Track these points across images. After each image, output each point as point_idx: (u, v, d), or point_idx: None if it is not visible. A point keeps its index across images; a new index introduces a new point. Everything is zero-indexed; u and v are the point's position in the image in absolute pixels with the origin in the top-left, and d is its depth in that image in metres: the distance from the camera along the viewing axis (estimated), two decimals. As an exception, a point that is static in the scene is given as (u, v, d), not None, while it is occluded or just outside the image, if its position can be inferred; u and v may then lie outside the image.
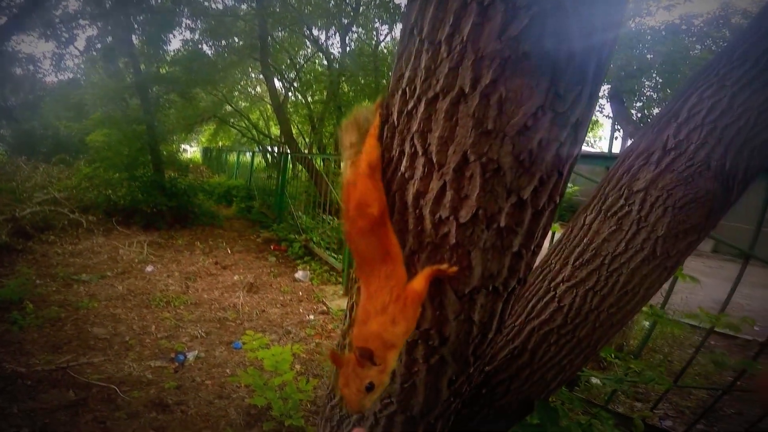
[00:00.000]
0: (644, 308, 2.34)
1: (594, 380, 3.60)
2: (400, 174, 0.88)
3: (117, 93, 9.77)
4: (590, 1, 0.74)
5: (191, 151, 27.80)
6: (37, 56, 12.17)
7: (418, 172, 0.84)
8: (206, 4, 10.52)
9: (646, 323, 4.02)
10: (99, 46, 10.67)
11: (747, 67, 1.33)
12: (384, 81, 10.11)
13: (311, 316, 5.46)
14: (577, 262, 1.42)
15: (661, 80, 12.21)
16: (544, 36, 0.72)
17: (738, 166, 1.30)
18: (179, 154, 14.24)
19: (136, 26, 9.69)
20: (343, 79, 10.77)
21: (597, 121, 16.03)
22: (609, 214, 1.40)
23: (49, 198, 8.41)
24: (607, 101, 13.34)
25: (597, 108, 15.59)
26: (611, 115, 13.97)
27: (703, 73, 1.42)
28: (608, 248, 1.37)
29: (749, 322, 2.41)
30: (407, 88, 0.85)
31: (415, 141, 0.84)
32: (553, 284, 1.45)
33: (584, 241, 1.42)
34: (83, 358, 3.89)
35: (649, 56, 12.01)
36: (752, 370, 2.54)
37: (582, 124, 0.83)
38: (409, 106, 0.84)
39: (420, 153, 0.83)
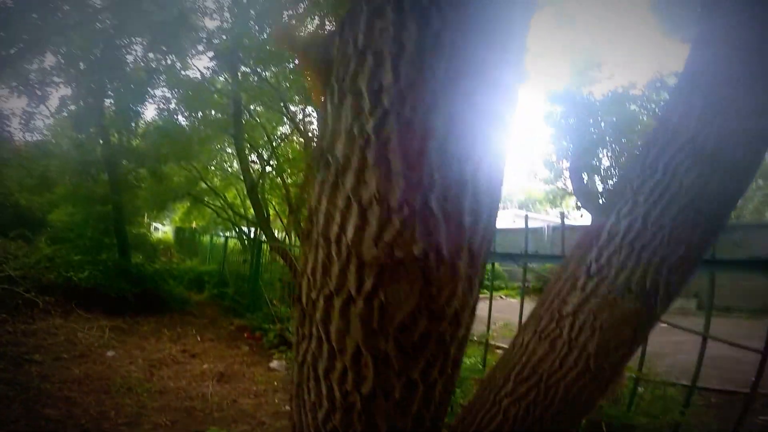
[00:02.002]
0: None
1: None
2: (311, 352, 0.95)
3: (84, 167, 9.48)
4: (465, 209, 0.81)
5: (163, 229, 27.07)
6: (6, 113, 11.66)
7: (324, 354, 0.92)
8: (183, 74, 10.69)
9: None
10: (72, 107, 10.51)
11: (657, 177, 1.42)
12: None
13: (288, 407, 4.94)
14: (518, 378, 1.51)
15: (617, 147, 12.69)
16: (415, 241, 0.79)
17: (658, 285, 1.39)
18: (149, 234, 13.72)
19: (109, 92, 9.65)
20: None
21: (566, 194, 16.61)
22: (543, 336, 1.50)
23: (3, 275, 7.91)
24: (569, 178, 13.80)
25: (561, 184, 16.15)
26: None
27: (622, 182, 1.53)
28: (544, 366, 1.47)
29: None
30: (311, 277, 0.91)
31: (320, 328, 0.90)
32: (497, 398, 1.54)
33: (523, 359, 1.53)
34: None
35: (602, 123, 12.54)
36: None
37: (463, 310, 0.89)
38: (313, 296, 0.91)
39: (324, 339, 0.91)
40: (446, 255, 0.82)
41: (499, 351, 5.17)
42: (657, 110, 11.98)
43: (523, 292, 2.92)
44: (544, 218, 24.43)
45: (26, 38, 9.04)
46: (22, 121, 11.69)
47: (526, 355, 1.52)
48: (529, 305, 2.47)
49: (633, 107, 12.48)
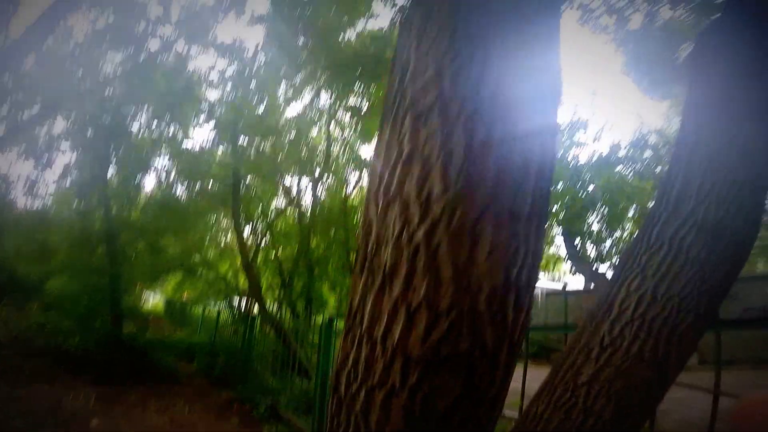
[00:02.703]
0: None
1: None
2: None
3: (84, 238, 9.63)
4: (510, 306, 0.85)
5: (154, 299, 26.60)
6: (11, 178, 11.69)
7: None
8: (184, 144, 11.04)
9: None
10: (76, 174, 10.71)
11: (663, 252, 1.55)
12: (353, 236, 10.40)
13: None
14: (534, 449, 1.54)
15: (607, 209, 12.95)
16: (462, 340, 0.82)
17: (670, 353, 1.47)
18: (141, 303, 13.60)
19: (113, 162, 9.90)
20: (314, 235, 11.04)
21: (558, 258, 16.83)
22: (558, 406, 1.54)
23: (-8, 340, 7.74)
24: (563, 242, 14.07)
25: (554, 248, 16.41)
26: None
27: (628, 258, 1.65)
28: None
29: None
30: (352, 370, 0.93)
31: (359, 417, 0.92)
32: (515, 468, 1.57)
33: (538, 429, 1.55)
34: None
35: (590, 187, 12.90)
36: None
37: (500, 394, 0.92)
38: (353, 389, 0.93)
39: (362, 427, 0.92)
40: (490, 349, 0.85)
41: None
42: (641, 170, 12.49)
43: (526, 361, 2.95)
44: (538, 283, 24.40)
45: (41, 103, 9.42)
46: (26, 187, 11.86)
47: (542, 424, 1.55)
48: (530, 372, 2.59)
49: (618, 167, 12.94)
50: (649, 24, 7.52)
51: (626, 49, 8.32)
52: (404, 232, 0.83)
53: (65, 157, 11.99)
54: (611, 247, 13.30)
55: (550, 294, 19.79)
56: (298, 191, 12.58)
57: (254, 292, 10.70)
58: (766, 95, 1.90)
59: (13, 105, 9.11)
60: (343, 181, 12.31)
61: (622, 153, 13.10)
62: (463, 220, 0.80)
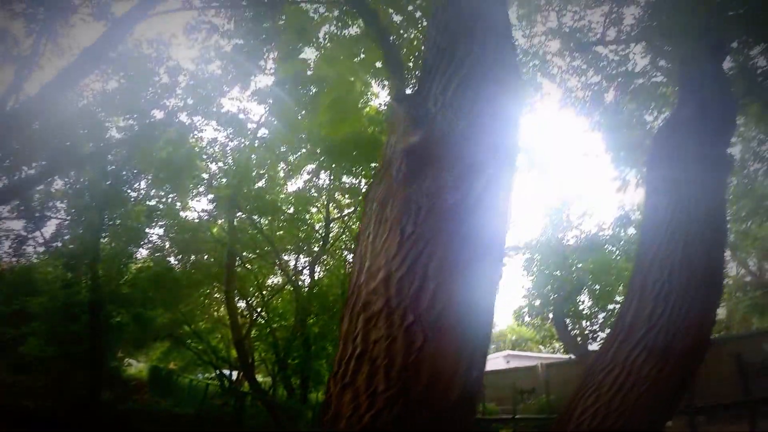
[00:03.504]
0: None
1: None
2: None
3: (67, 307, 9.38)
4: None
5: (138, 365, 25.49)
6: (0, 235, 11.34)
7: None
8: (182, 215, 10.97)
9: None
10: (67, 240, 10.50)
11: (617, 372, 1.73)
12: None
13: None
14: None
15: (596, 289, 13.05)
16: None
17: None
18: (123, 369, 13.10)
19: (106, 231, 9.75)
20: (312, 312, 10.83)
21: (554, 337, 16.83)
22: None
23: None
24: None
25: (545, 326, 16.30)
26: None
27: (588, 376, 1.84)
28: None
29: None
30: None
31: None
32: None
33: None
34: None
35: (579, 265, 13.09)
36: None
37: None
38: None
39: None
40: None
41: None
42: (625, 248, 12.62)
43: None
44: (538, 355, 23.89)
45: (41, 162, 9.42)
46: (14, 245, 11.68)
47: None
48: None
49: (605, 247, 13.16)
50: (623, 95, 7.95)
51: (602, 125, 8.68)
52: (354, 414, 1.02)
53: (59, 215, 11.67)
54: (601, 324, 13.33)
55: (552, 366, 19.37)
56: (296, 269, 12.41)
57: (245, 368, 10.33)
58: (715, 194, 2.46)
59: (14, 161, 9.14)
60: (342, 261, 12.21)
61: (607, 232, 13.44)
62: (401, 410, 1.00)
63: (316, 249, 11.54)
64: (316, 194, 11.65)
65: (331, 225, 11.62)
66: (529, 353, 26.82)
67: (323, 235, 11.38)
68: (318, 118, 2.11)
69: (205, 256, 11.01)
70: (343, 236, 11.53)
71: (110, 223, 10.26)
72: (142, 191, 11.31)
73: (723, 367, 8.69)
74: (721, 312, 18.36)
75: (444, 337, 1.05)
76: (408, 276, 1.07)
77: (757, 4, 4.36)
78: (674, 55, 5.70)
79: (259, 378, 11.86)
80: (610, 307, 13.08)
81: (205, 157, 11.10)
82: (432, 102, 1.31)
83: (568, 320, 13.06)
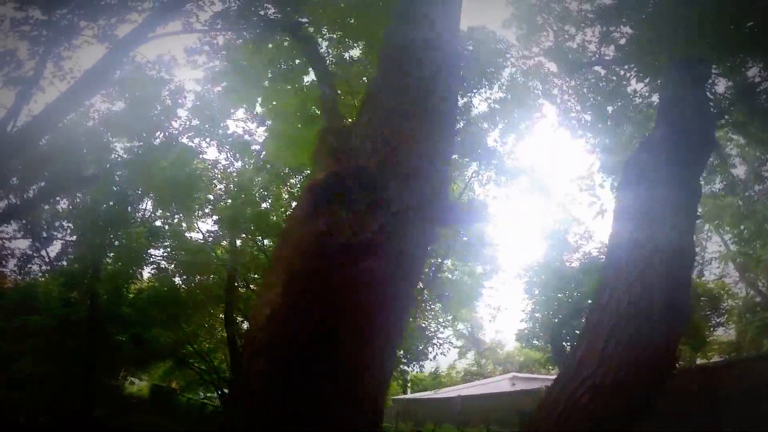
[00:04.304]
0: None
1: None
2: None
3: (66, 327, 9.39)
4: None
5: (140, 384, 25.43)
6: (5, 253, 11.44)
7: None
8: (186, 235, 10.98)
9: None
10: (71, 259, 10.53)
11: (559, 410, 1.67)
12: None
13: None
14: None
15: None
16: None
17: None
18: (123, 387, 13.05)
19: (111, 252, 9.79)
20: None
21: (549, 358, 16.57)
22: None
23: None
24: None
25: (548, 349, 16.04)
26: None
27: (539, 411, 1.83)
28: None
29: None
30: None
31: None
32: None
33: None
34: None
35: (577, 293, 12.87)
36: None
37: None
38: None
39: None
40: None
41: None
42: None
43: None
44: (544, 377, 23.50)
45: (47, 182, 9.55)
46: (20, 263, 11.94)
47: None
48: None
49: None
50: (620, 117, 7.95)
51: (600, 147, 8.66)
52: None
53: (64, 234, 11.73)
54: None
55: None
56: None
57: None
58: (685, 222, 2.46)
59: (20, 181, 9.26)
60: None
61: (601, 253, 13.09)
62: None
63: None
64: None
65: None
66: (535, 375, 26.40)
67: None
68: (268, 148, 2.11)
69: (210, 277, 11.00)
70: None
71: (115, 242, 10.29)
72: (147, 212, 11.40)
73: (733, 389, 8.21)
74: (731, 334, 17.89)
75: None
76: (292, 314, 1.09)
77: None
78: (658, 77, 5.73)
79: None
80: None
81: (208, 177, 11.19)
82: (355, 135, 1.31)
83: (566, 344, 12.81)
